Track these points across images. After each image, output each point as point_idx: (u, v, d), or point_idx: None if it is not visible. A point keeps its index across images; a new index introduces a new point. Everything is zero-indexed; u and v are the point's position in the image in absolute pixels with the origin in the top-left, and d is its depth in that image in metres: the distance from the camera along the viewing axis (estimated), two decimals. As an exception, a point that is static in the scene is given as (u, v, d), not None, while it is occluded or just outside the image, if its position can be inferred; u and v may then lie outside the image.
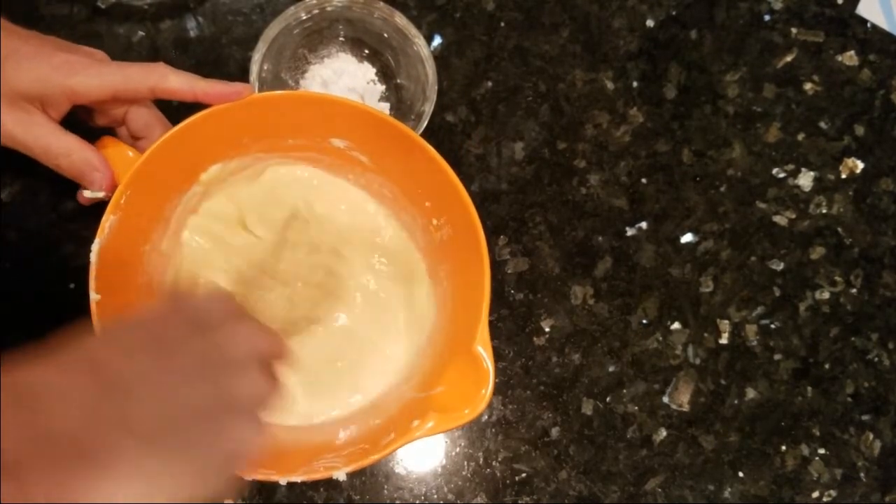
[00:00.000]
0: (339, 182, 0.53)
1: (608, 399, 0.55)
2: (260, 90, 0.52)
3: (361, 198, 0.53)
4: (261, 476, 0.42)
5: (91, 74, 0.44)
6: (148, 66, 0.45)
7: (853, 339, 0.58)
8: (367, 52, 0.57)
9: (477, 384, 0.44)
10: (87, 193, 0.45)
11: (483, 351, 0.44)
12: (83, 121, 0.48)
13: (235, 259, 0.51)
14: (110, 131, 0.48)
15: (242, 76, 0.55)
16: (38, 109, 0.44)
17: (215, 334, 0.33)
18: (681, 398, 0.55)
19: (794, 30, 0.62)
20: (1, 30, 0.44)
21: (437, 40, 0.59)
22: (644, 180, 0.58)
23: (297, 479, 0.43)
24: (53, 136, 0.44)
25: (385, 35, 0.56)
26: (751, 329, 0.57)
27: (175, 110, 0.48)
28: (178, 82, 0.45)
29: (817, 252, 0.59)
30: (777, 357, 0.57)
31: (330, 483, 0.52)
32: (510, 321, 0.55)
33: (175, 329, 0.32)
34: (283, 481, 0.43)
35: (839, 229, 0.59)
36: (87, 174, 0.45)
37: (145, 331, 0.32)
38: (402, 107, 0.56)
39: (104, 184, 0.45)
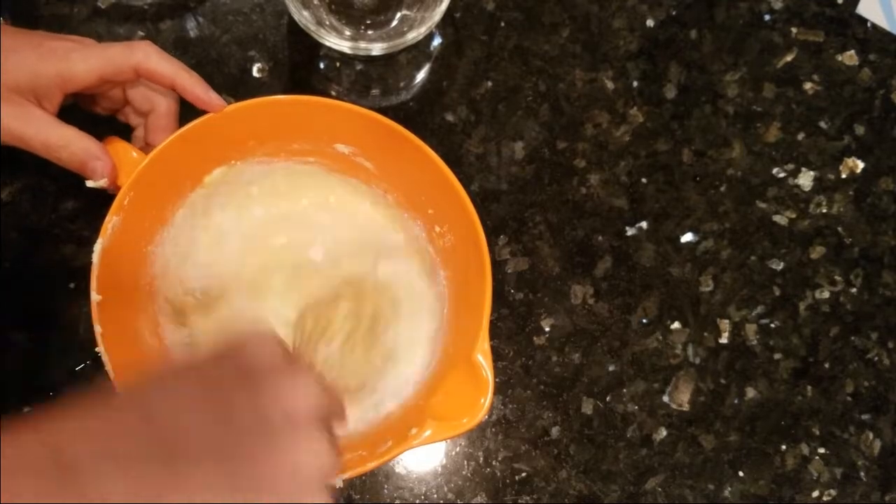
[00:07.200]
0: (342, 189, 0.53)
1: (608, 398, 0.55)
2: None
3: (363, 203, 0.53)
4: None
5: (76, 59, 0.43)
6: (131, 45, 0.44)
7: (853, 338, 0.58)
8: None
9: (476, 393, 0.43)
10: (89, 183, 0.45)
11: (483, 360, 0.44)
12: (89, 111, 0.47)
13: (242, 267, 0.51)
14: (126, 133, 0.48)
15: (242, 75, 0.55)
16: (32, 103, 0.44)
17: (268, 385, 0.30)
18: (681, 397, 0.55)
19: (794, 29, 0.62)
20: None
21: (437, 40, 0.59)
22: (644, 180, 0.59)
23: None
24: (51, 127, 0.44)
25: None
26: (751, 328, 0.57)
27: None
28: (160, 64, 0.44)
29: (817, 252, 0.59)
30: (777, 356, 0.57)
31: (330, 482, 0.52)
32: (510, 321, 0.55)
33: (226, 380, 0.29)
34: None
35: (839, 229, 0.59)
36: (87, 163, 0.44)
37: (196, 380, 0.30)
38: None
39: (106, 172, 0.44)
